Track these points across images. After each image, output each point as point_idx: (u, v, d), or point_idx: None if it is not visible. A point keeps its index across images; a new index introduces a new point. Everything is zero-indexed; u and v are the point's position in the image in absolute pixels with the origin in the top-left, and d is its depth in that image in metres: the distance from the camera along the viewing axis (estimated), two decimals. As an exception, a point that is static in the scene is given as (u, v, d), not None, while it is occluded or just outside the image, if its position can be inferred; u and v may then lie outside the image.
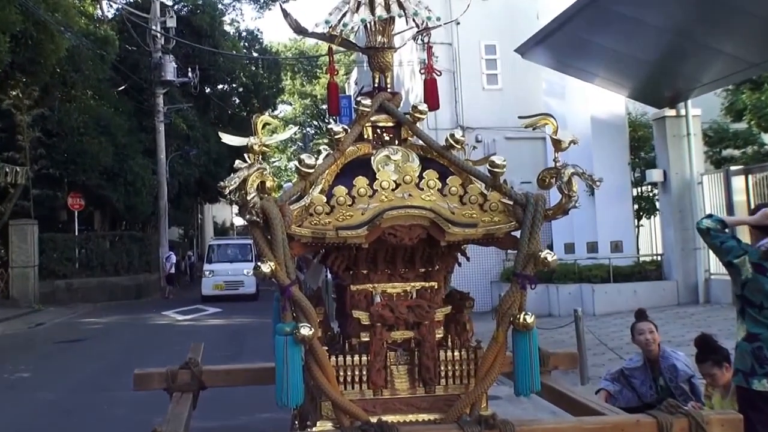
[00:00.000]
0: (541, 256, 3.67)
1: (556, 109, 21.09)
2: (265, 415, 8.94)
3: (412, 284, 4.12)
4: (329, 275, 5.10)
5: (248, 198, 3.52)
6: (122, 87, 36.74)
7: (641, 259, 21.40)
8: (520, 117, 3.98)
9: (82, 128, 30.47)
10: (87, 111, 31.64)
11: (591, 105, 21.69)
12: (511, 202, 3.81)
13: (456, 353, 4.08)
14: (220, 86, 48.04)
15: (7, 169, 26.17)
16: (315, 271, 4.96)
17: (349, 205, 3.69)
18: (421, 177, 3.77)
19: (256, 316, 23.29)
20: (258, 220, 3.55)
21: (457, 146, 3.97)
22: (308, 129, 64.59)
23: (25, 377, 14.19)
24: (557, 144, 3.80)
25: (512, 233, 3.89)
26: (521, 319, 3.71)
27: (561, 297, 20.16)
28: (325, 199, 3.70)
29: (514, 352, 3.80)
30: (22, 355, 16.54)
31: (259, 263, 3.52)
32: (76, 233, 32.31)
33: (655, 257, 21.28)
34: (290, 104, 68.53)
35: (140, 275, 34.08)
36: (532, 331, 3.77)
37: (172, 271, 36.40)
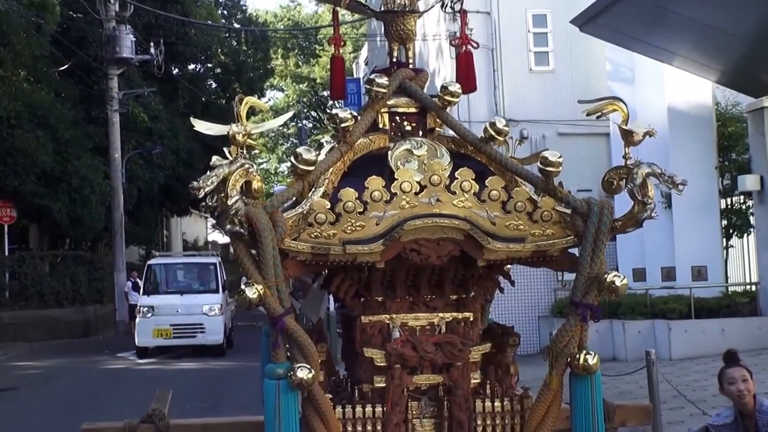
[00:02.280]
0: (607, 280, 3.68)
1: (623, 98, 20.99)
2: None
3: (441, 315, 4.13)
4: (333, 304, 5.11)
5: (229, 203, 3.53)
6: (65, 66, 36.64)
7: (731, 289, 21.26)
8: (580, 101, 3.98)
9: (13, 119, 29.62)
10: (19, 97, 30.73)
11: (668, 93, 21.57)
12: (568, 211, 3.83)
13: (497, 403, 4.09)
14: (191, 66, 48.04)
15: None
16: (314, 298, 4.98)
17: (360, 213, 3.70)
18: (452, 177, 3.79)
19: (236, 358, 23.31)
20: (242, 231, 3.56)
21: (498, 138, 3.98)
22: (305, 122, 64.65)
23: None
24: (628, 136, 3.80)
25: (570, 250, 3.90)
26: (581, 360, 3.72)
27: (629, 336, 19.99)
28: (328, 205, 3.71)
29: (572, 401, 3.82)
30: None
31: (243, 287, 3.53)
32: (6, 253, 32.36)
33: (748, 287, 21.15)
34: (282, 90, 68.57)
35: (89, 307, 33.85)
36: (595, 374, 3.77)
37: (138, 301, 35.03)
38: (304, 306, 5.05)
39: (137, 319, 26.19)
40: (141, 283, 33.16)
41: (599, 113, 3.91)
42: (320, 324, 4.96)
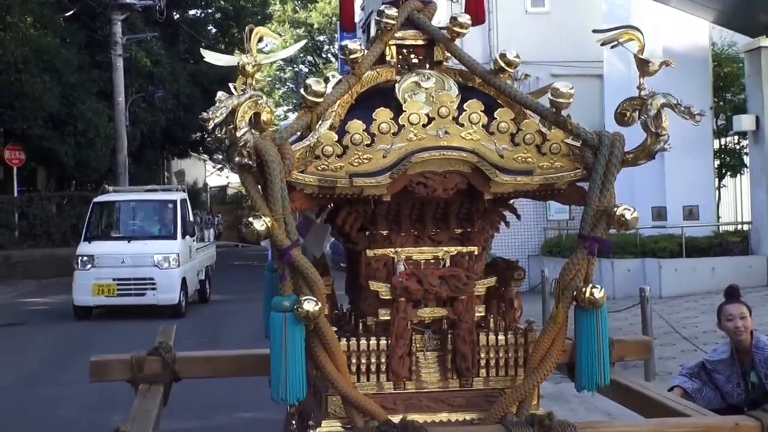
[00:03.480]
0: (617, 213, 3.55)
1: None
2: (250, 415, 8.88)
3: (446, 249, 4.01)
4: (335, 240, 4.98)
5: (238, 134, 3.40)
6: (70, 12, 36.38)
7: (722, 228, 21.25)
8: (595, 31, 3.84)
9: (20, 64, 29.69)
10: (25, 42, 30.85)
11: (664, 34, 21.33)
12: (578, 143, 3.68)
13: (500, 337, 3.98)
14: (192, 12, 47.79)
15: None
16: (318, 233, 4.86)
17: (367, 145, 3.56)
18: (460, 109, 3.64)
19: (238, 294, 23.32)
20: (250, 163, 3.43)
21: (508, 70, 3.84)
22: (301, 66, 64.16)
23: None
24: (644, 66, 3.66)
25: (578, 183, 3.77)
26: (587, 294, 3.61)
27: (618, 275, 19.98)
28: (336, 138, 3.57)
29: (578, 335, 3.70)
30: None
31: (250, 219, 3.41)
32: (15, 194, 32.29)
33: (740, 226, 21.13)
34: (280, 34, 68.12)
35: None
36: (601, 308, 3.66)
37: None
38: (307, 241, 4.92)
39: (75, 273, 21.19)
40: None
41: (615, 42, 3.76)
42: (323, 259, 4.85)
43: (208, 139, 3.55)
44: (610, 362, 4.94)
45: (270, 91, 64.85)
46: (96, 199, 23.85)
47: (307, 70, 64.08)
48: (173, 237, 22.04)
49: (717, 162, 22.17)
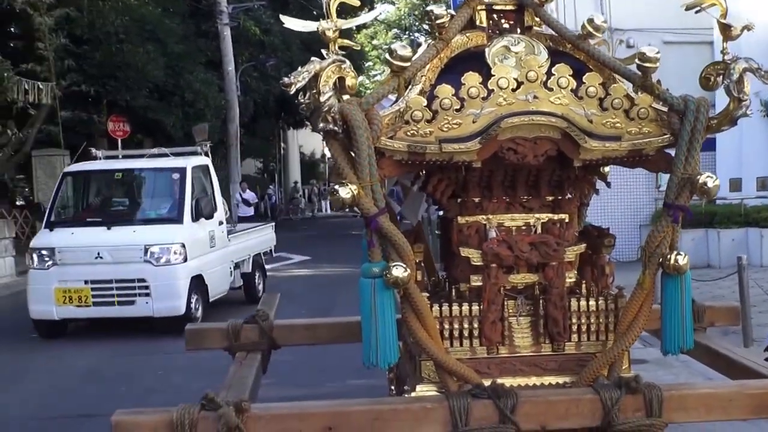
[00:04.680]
0: (699, 181, 3.50)
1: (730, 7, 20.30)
2: (358, 382, 8.93)
3: (537, 216, 3.99)
4: (430, 207, 4.99)
5: (322, 99, 3.41)
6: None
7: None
8: None
9: (122, 33, 29.24)
10: (126, 11, 30.42)
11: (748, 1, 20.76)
12: (665, 108, 3.63)
13: (591, 302, 3.96)
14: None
15: (27, 85, 24.50)
16: (414, 201, 4.88)
17: (457, 110, 3.56)
18: (549, 74, 3.61)
19: (351, 264, 23.28)
20: (335, 128, 3.44)
21: (596, 35, 3.79)
22: (416, 35, 63.40)
23: (64, 338, 14.71)
24: (725, 30, 3.60)
25: (666, 150, 3.71)
26: (672, 260, 3.57)
27: (723, 245, 19.70)
28: (425, 102, 3.57)
29: (663, 300, 3.68)
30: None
31: (336, 186, 3.42)
32: (121, 167, 32.44)
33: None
34: (393, 2, 67.48)
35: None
36: (685, 275, 3.63)
37: (251, 213, 32.82)
38: (404, 209, 4.95)
39: (30, 275, 15.30)
40: (251, 196, 32.50)
41: (698, 7, 3.69)
42: (419, 226, 4.87)
43: (296, 102, 3.54)
44: (703, 327, 4.94)
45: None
46: (67, 169, 17.56)
47: (423, 38, 63.32)
48: (178, 220, 15.45)
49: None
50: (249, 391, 4.15)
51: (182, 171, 15.93)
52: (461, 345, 3.88)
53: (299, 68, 3.40)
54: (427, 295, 3.80)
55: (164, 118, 31.41)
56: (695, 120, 3.52)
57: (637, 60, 3.60)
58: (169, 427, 3.31)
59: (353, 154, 3.44)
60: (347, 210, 3.80)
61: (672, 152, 3.64)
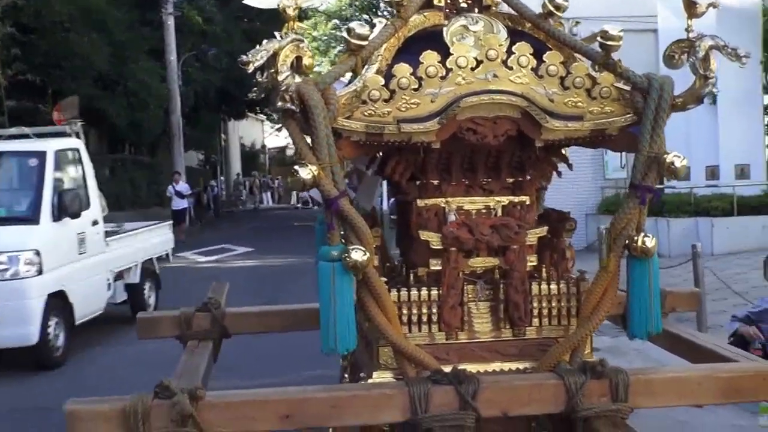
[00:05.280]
0: (667, 160, 3.46)
1: (669, -6, 20.49)
2: (313, 373, 8.83)
3: (497, 199, 3.94)
4: (387, 201, 4.92)
5: (279, 78, 3.33)
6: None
7: (772, 187, 21.01)
8: None
9: (67, 22, 28.78)
10: (72, 1, 29.51)
11: (715, -14, 20.95)
12: (628, 87, 3.59)
13: (553, 286, 3.91)
14: (246, -32, 47.23)
15: None
16: (369, 186, 4.81)
17: (415, 90, 3.49)
18: (509, 52, 3.55)
19: (295, 255, 23.24)
20: (293, 108, 3.36)
21: (557, 14, 3.74)
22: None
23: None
24: (691, 8, 3.56)
25: (629, 130, 3.67)
26: (639, 242, 3.53)
27: (673, 234, 19.89)
28: (382, 82, 3.50)
29: (630, 283, 3.65)
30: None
31: (296, 167, 3.35)
32: (67, 157, 32.18)
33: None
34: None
35: (149, 210, 33.72)
36: (653, 258, 3.60)
37: (184, 205, 32.17)
38: (359, 194, 4.87)
39: None
40: (184, 188, 31.29)
41: None
42: (374, 211, 4.80)
43: (253, 82, 3.46)
44: (663, 313, 4.92)
45: (326, 50, 64.36)
46: None
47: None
48: (32, 219, 12.10)
49: (766, 118, 21.89)
50: (201, 380, 4.07)
51: (41, 156, 12.47)
52: (420, 330, 3.81)
53: (257, 46, 3.32)
54: (385, 280, 3.73)
55: (108, 108, 31.14)
56: (659, 98, 3.48)
57: (599, 38, 3.57)
58: (122, 416, 3.23)
59: (311, 135, 3.37)
60: (307, 192, 3.74)
61: (636, 131, 3.60)
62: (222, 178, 55.05)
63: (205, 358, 4.53)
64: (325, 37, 51.20)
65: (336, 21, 56.26)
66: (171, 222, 17.69)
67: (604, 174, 22.62)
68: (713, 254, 18.45)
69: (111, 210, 31.08)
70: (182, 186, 31.28)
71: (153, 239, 15.89)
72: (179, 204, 30.96)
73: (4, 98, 26.44)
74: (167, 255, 16.75)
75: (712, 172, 21.56)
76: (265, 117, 62.40)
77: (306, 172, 3.31)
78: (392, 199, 5.02)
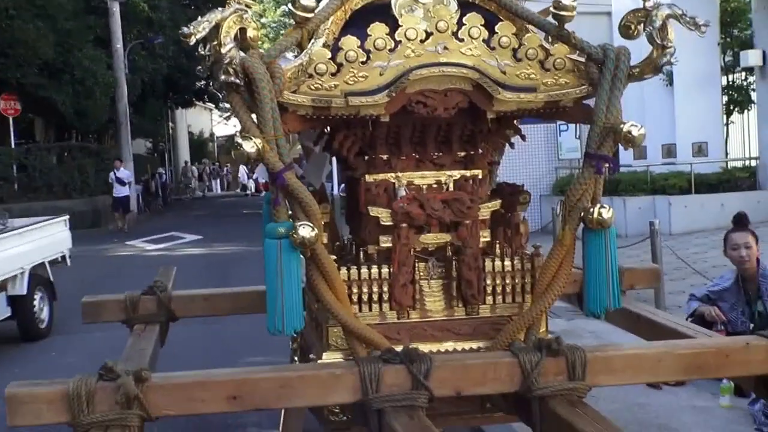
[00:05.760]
0: (624, 130, 3.42)
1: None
2: (260, 359, 8.73)
3: (449, 173, 3.89)
4: (337, 174, 4.86)
5: (223, 51, 3.25)
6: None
7: (731, 164, 21.11)
8: None
9: (11, 9, 28.47)
10: None
11: (671, -33, 21.09)
12: (582, 59, 3.55)
13: (507, 263, 3.86)
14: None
15: None
16: (318, 163, 4.74)
17: (363, 63, 3.43)
18: (460, 24, 3.50)
19: (244, 243, 23.08)
20: (237, 81, 3.29)
21: None
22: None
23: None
24: None
25: (584, 101, 3.64)
26: (595, 214, 3.49)
27: (629, 212, 19.85)
28: (329, 55, 3.44)
29: (586, 256, 3.61)
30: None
31: (239, 140, 3.28)
32: (13, 146, 32.03)
33: (748, 162, 21.00)
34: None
35: (98, 198, 33.47)
36: (610, 230, 3.56)
37: (126, 192, 31.35)
38: (307, 171, 4.81)
39: None
40: (126, 175, 30.80)
41: None
42: (323, 188, 4.74)
43: (197, 54, 3.38)
44: (622, 291, 4.89)
45: (275, 37, 64.06)
46: None
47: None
48: None
49: (725, 98, 22.02)
50: (148, 363, 4.01)
51: None
52: (370, 310, 3.76)
53: (199, 18, 3.24)
54: (335, 258, 3.67)
55: (55, 96, 30.93)
56: (615, 68, 3.46)
57: (552, 8, 3.53)
58: (65, 398, 3.18)
59: (256, 108, 3.31)
60: (249, 168, 3.67)
61: (591, 102, 3.57)
62: (169, 166, 54.82)
63: (151, 342, 4.49)
64: (275, 24, 50.84)
65: (285, 7, 55.88)
66: (67, 217, 13.55)
67: (558, 155, 22.65)
68: (671, 233, 18.48)
69: (59, 198, 31.04)
70: (123, 173, 30.94)
71: (44, 239, 12.41)
72: (121, 191, 30.54)
73: None
74: (64, 257, 12.99)
75: (669, 150, 21.64)
76: (213, 106, 62.10)
77: (250, 146, 3.25)
78: (342, 186, 4.94)
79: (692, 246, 16.64)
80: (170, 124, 56.74)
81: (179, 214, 37.90)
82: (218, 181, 59.60)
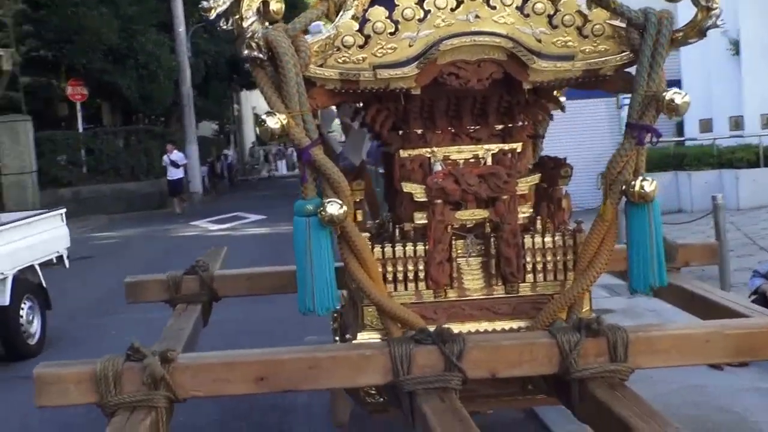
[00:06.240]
0: (666, 98, 3.25)
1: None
2: (317, 338, 8.63)
3: (486, 147, 3.75)
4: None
5: (245, 24, 3.16)
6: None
7: (801, 136, 20.61)
8: None
9: None
10: None
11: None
12: (623, 24, 3.39)
13: (548, 239, 3.71)
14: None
15: None
16: (356, 138, 4.63)
17: (391, 34, 3.31)
18: None
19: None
20: (260, 56, 3.20)
21: None
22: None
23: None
24: None
25: (626, 69, 3.47)
26: (637, 187, 3.33)
27: (695, 187, 19.42)
28: (356, 27, 3.32)
29: (629, 232, 3.45)
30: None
31: (264, 117, 3.18)
32: (81, 130, 32.40)
33: (818, 134, 20.47)
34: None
35: (163, 180, 33.78)
36: (653, 203, 3.38)
37: (180, 175, 30.80)
38: (346, 148, 4.70)
39: None
40: (179, 157, 30.61)
41: None
42: (362, 165, 4.64)
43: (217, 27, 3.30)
44: (675, 268, 4.70)
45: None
46: None
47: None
48: None
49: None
50: (184, 343, 3.94)
51: None
52: (406, 289, 3.64)
53: None
54: (368, 235, 3.56)
55: (120, 81, 31.39)
56: (657, 33, 3.28)
57: None
58: (93, 379, 3.14)
59: (281, 83, 3.21)
60: (279, 144, 3.66)
61: (633, 70, 3.41)
62: (236, 147, 55.20)
63: (191, 322, 4.44)
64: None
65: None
66: (63, 210, 11.20)
67: (621, 129, 22.31)
68: (739, 209, 18.03)
69: (125, 180, 31.35)
70: (177, 155, 30.92)
71: (34, 237, 10.08)
72: (174, 174, 30.49)
73: (19, 75, 26.95)
74: (62, 257, 10.70)
75: (736, 123, 21.14)
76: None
77: (273, 121, 3.15)
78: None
79: (761, 221, 16.18)
80: (235, 106, 57.11)
81: (245, 195, 38.11)
82: (284, 161, 59.79)
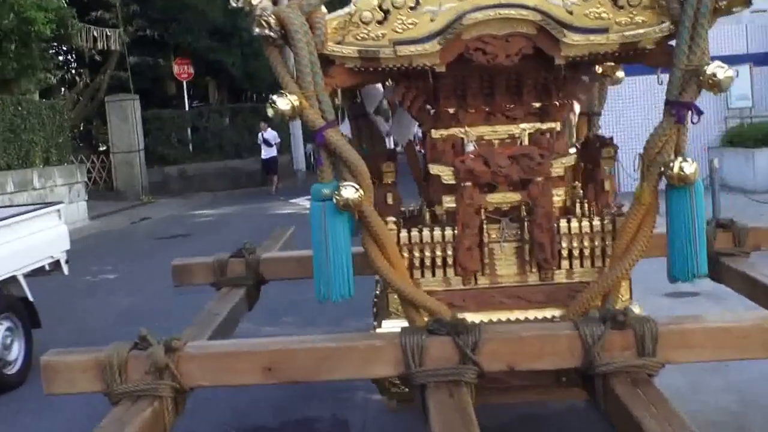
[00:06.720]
0: (707, 72, 3.01)
1: None
2: (356, 323, 8.44)
3: (522, 126, 3.57)
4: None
5: (254, 2, 3.05)
6: None
7: None
8: None
9: None
10: None
11: None
12: (662, -7, 3.16)
13: (584, 224, 3.51)
14: None
15: (96, 33, 25.26)
16: (402, 119, 4.46)
17: (411, 8, 3.16)
18: None
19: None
20: (271, 34, 3.06)
21: None
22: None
23: (109, 279, 14.51)
24: None
25: (666, 42, 3.24)
26: (676, 169, 3.10)
27: (759, 167, 18.61)
28: (375, 2, 3.17)
29: (669, 217, 3.23)
30: (112, 255, 16.89)
31: (274, 97, 3.04)
32: (187, 108, 32.79)
33: None
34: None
35: (266, 156, 34.34)
36: (695, 185, 3.15)
37: (273, 153, 30.39)
38: (392, 128, 4.55)
39: None
40: (272, 136, 30.20)
41: None
42: (410, 146, 4.49)
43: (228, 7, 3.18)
44: (745, 252, 4.43)
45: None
46: None
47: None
48: None
49: None
50: (214, 329, 3.83)
51: None
52: (434, 275, 3.49)
53: None
54: (394, 220, 3.41)
55: (225, 59, 31.68)
56: (698, 2, 3.04)
57: None
58: (98, 367, 3.07)
59: (294, 62, 3.07)
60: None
61: (673, 43, 3.17)
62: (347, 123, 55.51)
63: (229, 306, 4.34)
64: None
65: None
66: (61, 204, 9.31)
67: (727, 103, 21.63)
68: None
69: (230, 158, 31.60)
70: (270, 134, 30.78)
71: (18, 242, 7.94)
72: (268, 152, 30.24)
73: (127, 55, 27.46)
74: (59, 262, 8.60)
75: None
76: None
77: (284, 103, 3.02)
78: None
79: None
80: (342, 83, 57.44)
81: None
82: (390, 138, 59.98)
